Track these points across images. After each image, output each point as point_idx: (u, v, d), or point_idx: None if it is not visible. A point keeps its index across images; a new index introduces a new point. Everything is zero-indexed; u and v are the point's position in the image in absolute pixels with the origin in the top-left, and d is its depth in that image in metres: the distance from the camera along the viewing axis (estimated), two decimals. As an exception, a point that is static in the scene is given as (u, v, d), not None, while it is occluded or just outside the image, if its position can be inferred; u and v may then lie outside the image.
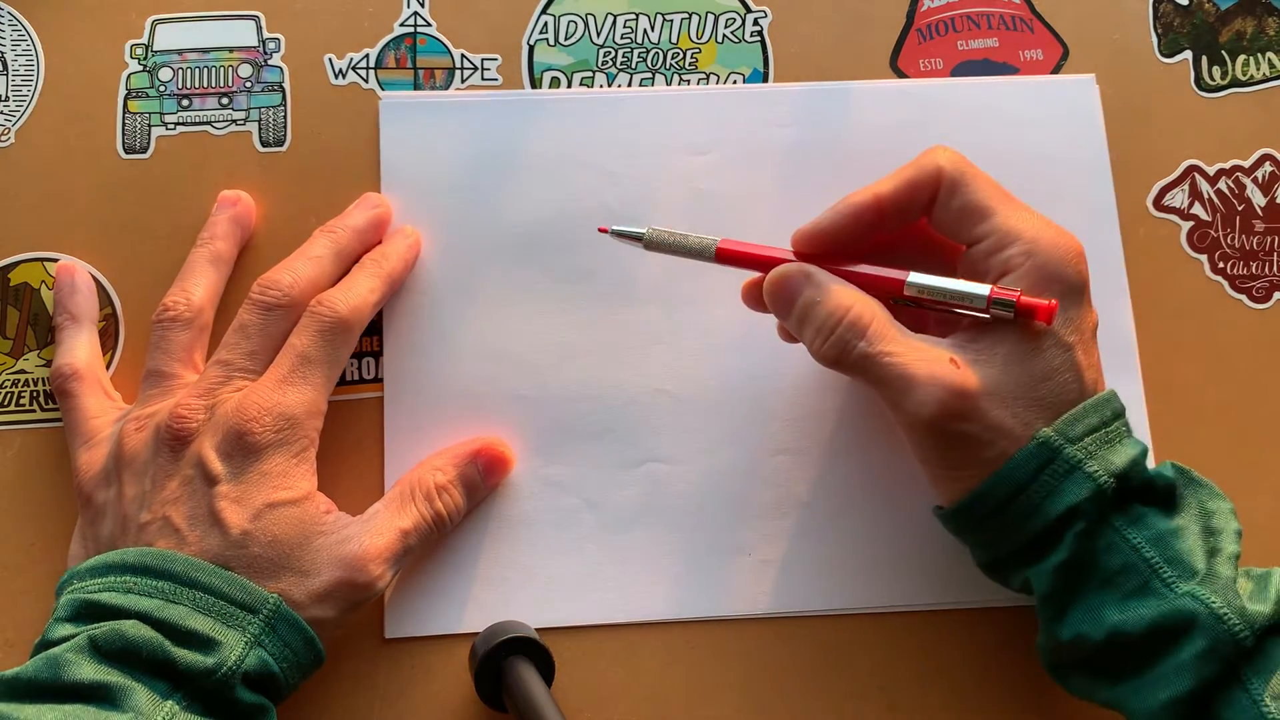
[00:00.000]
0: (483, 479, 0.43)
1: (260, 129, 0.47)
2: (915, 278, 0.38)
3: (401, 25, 0.48)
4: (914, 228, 0.41)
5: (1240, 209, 0.48)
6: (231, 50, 0.48)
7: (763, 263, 0.40)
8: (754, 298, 0.41)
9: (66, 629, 0.35)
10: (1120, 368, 0.46)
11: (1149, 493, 0.37)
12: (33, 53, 0.47)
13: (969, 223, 0.39)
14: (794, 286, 0.39)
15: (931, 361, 0.37)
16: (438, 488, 0.41)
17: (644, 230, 0.41)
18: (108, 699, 0.33)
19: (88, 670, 0.34)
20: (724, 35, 0.49)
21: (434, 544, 0.43)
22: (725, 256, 0.41)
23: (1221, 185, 0.48)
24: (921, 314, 0.40)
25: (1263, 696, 0.34)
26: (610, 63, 0.48)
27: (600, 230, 0.42)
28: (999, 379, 0.37)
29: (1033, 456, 0.36)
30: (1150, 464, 0.40)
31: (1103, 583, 0.36)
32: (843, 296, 0.38)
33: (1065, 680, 0.39)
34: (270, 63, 0.47)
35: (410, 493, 0.41)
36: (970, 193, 0.38)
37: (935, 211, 0.39)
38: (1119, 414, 0.38)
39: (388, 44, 0.48)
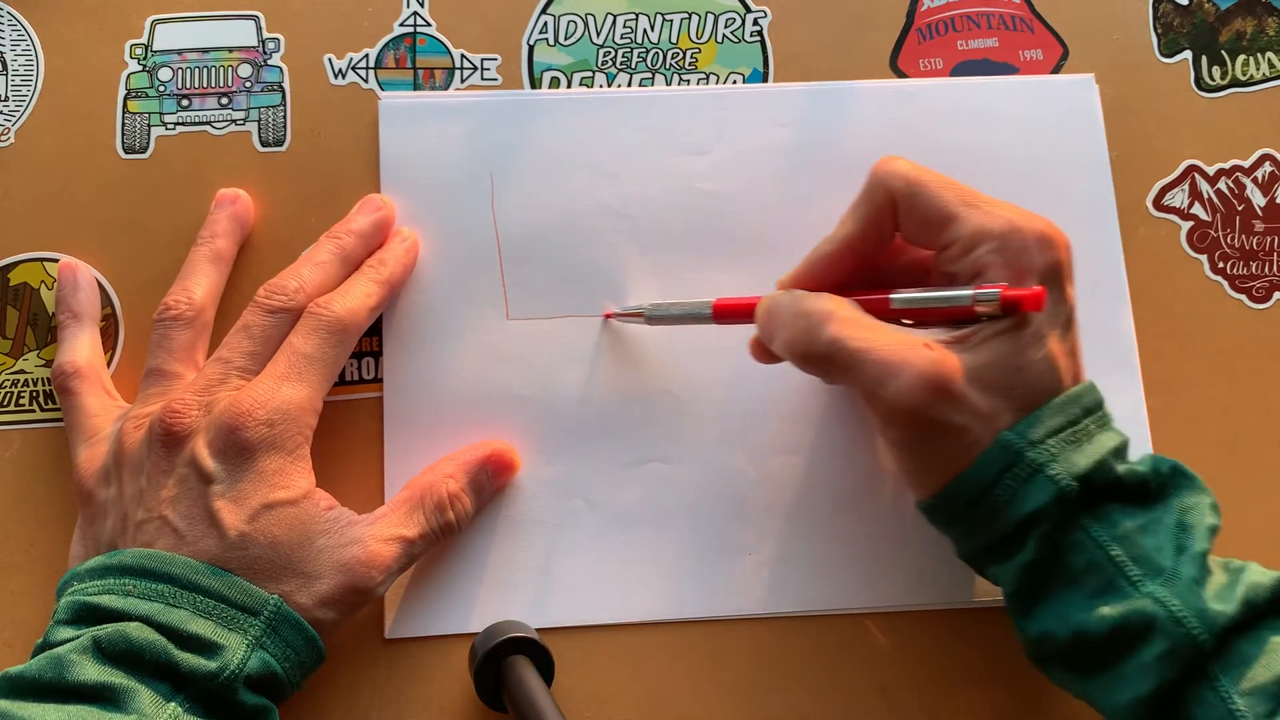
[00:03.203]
0: (491, 483, 0.43)
1: (260, 129, 0.47)
2: (897, 295, 0.38)
3: (401, 25, 0.48)
4: (897, 246, 0.41)
5: (1240, 209, 0.48)
6: (231, 50, 0.48)
7: (753, 310, 0.41)
8: (760, 352, 0.42)
9: (67, 631, 0.35)
10: (1120, 368, 0.46)
11: (1118, 490, 0.37)
12: (33, 53, 0.47)
13: (935, 230, 0.38)
14: (772, 304, 0.39)
15: (904, 345, 0.36)
16: (450, 496, 0.41)
17: (645, 307, 0.44)
18: (111, 700, 0.33)
19: (92, 671, 0.34)
20: (724, 35, 0.49)
21: (439, 548, 0.43)
22: (722, 313, 0.42)
23: (1221, 185, 0.49)
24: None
25: (1231, 694, 0.34)
26: (610, 63, 0.48)
27: (606, 316, 0.45)
28: (974, 364, 0.36)
29: (994, 459, 0.36)
30: (1133, 455, 0.40)
31: (1068, 581, 0.36)
32: (810, 298, 0.38)
33: (1047, 672, 0.39)
34: (270, 63, 0.47)
35: (420, 501, 0.41)
36: (927, 203, 0.38)
37: (901, 228, 0.39)
38: (1091, 409, 0.37)
39: (387, 44, 0.48)
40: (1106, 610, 0.35)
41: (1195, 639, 0.34)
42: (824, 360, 0.37)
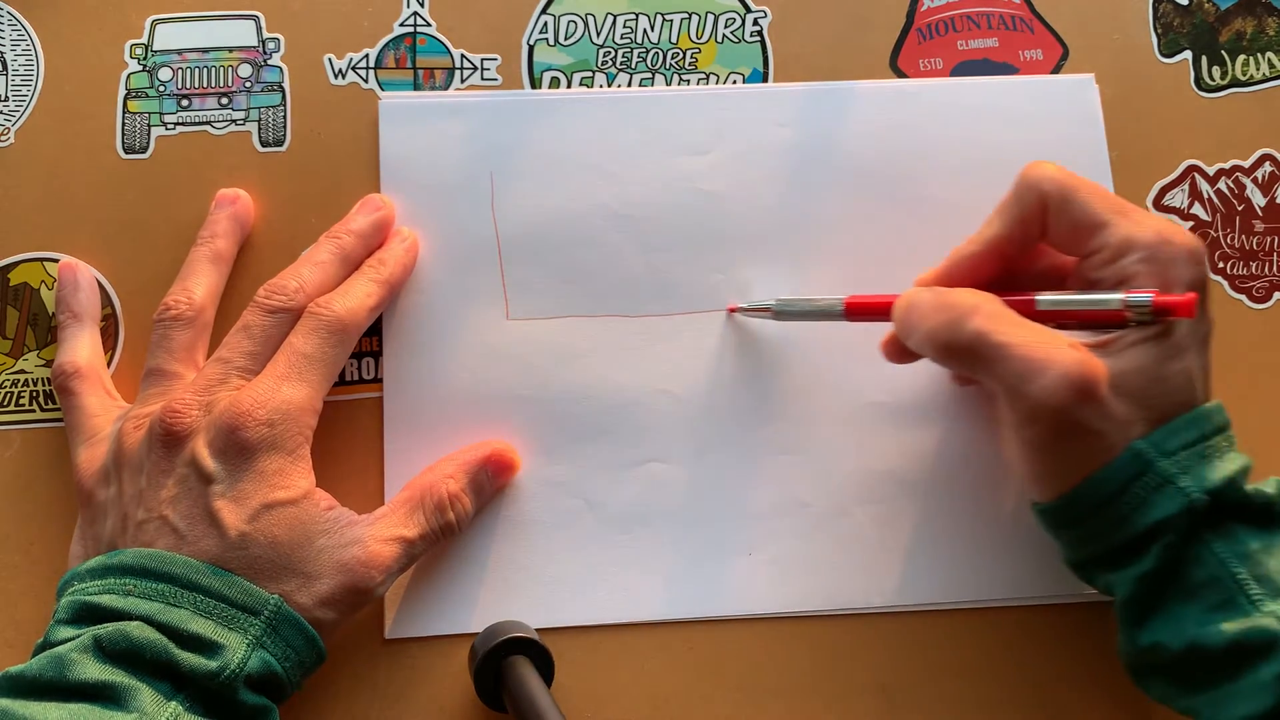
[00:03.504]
0: (491, 483, 0.43)
1: (260, 129, 0.47)
2: (1043, 297, 0.38)
3: (401, 25, 0.48)
4: (1036, 251, 0.41)
5: (1240, 209, 0.48)
6: (231, 50, 0.48)
7: (889, 308, 0.40)
8: (894, 351, 0.42)
9: (68, 631, 0.35)
10: (1120, 368, 0.46)
11: (1245, 510, 0.36)
12: (33, 53, 0.47)
13: (1083, 236, 0.38)
14: (913, 300, 0.39)
15: (1053, 345, 0.36)
16: (450, 497, 0.41)
17: (772, 302, 0.44)
18: (112, 699, 0.34)
19: (93, 670, 0.34)
20: (724, 35, 0.49)
21: (439, 548, 0.43)
22: (854, 311, 0.41)
23: (1221, 185, 0.49)
24: None
25: None
26: (610, 63, 0.48)
27: (730, 310, 0.45)
28: (1120, 371, 0.36)
29: (1126, 466, 0.36)
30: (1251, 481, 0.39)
31: (1186, 594, 0.36)
32: (953, 292, 0.38)
33: (1145, 684, 0.38)
34: (270, 63, 0.47)
35: (420, 501, 0.41)
36: (1078, 208, 0.38)
37: (1049, 234, 0.39)
38: (1221, 428, 0.37)
39: (387, 44, 0.48)
40: (1226, 626, 0.35)
41: None
42: (967, 353, 0.37)
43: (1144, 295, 0.36)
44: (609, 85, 0.48)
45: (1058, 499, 0.38)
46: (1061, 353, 0.36)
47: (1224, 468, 0.36)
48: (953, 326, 0.37)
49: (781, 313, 0.43)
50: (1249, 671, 0.35)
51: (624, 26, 0.48)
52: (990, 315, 0.37)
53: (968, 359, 0.37)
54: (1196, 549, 0.36)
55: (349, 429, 0.44)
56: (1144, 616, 0.37)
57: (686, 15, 0.49)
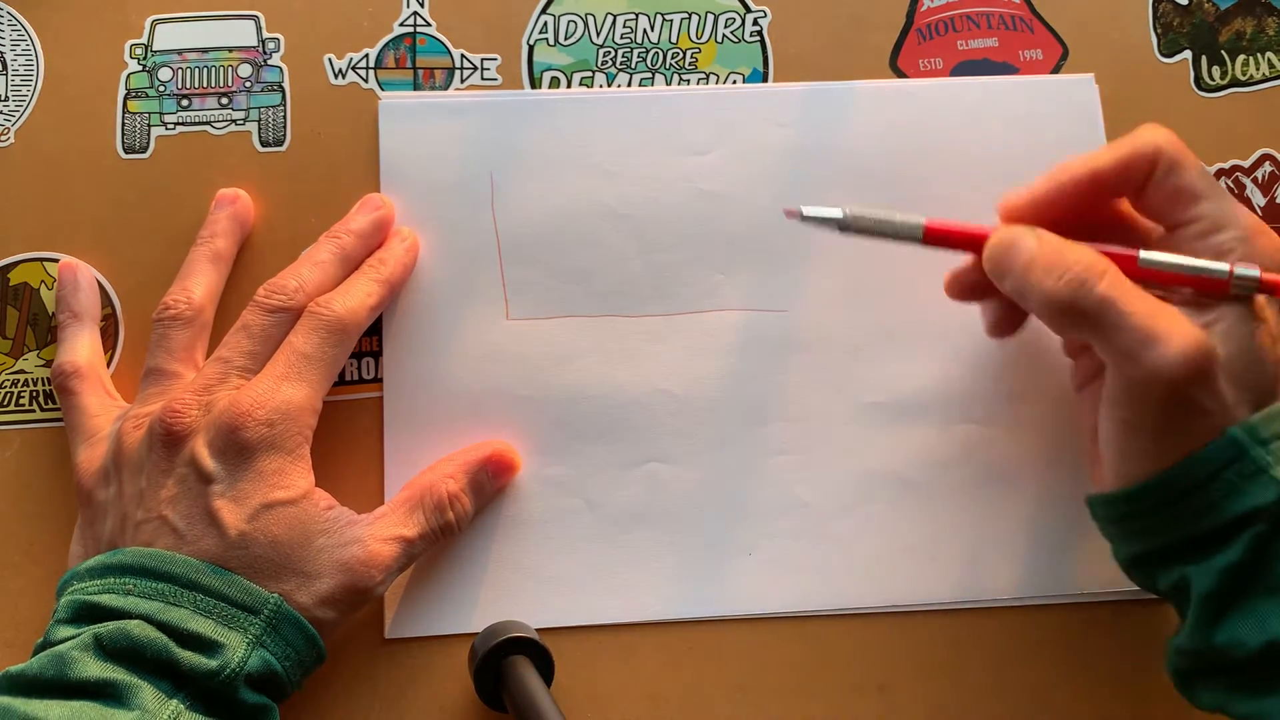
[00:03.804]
0: (491, 483, 0.43)
1: (260, 129, 0.47)
2: (1148, 255, 0.37)
3: (401, 25, 0.48)
4: (1111, 210, 0.40)
5: (1240, 209, 0.48)
6: (231, 50, 0.48)
7: (976, 239, 0.39)
8: (961, 287, 0.41)
9: (68, 630, 0.35)
10: (1120, 368, 0.46)
11: None
12: (32, 53, 0.47)
13: (1181, 205, 0.38)
14: (1022, 242, 0.37)
15: (1174, 318, 0.35)
16: (450, 497, 0.41)
17: (839, 213, 0.38)
18: (114, 696, 0.34)
19: (94, 668, 0.34)
20: (724, 35, 0.49)
21: (439, 548, 0.43)
22: (934, 236, 0.39)
23: (1221, 185, 0.48)
24: None
25: None
26: (610, 63, 0.48)
27: (787, 212, 0.38)
28: (1229, 352, 0.36)
29: (1222, 451, 0.35)
30: None
31: (1271, 590, 0.35)
32: (1079, 248, 0.37)
33: (1193, 688, 0.37)
34: (270, 63, 0.47)
35: (420, 500, 0.41)
36: (1186, 175, 0.37)
37: (1148, 191, 0.38)
38: None
39: (387, 44, 0.48)
40: None
41: None
42: (1087, 317, 0.35)
43: (1252, 269, 0.36)
44: (609, 85, 0.48)
45: (1146, 480, 0.36)
46: (1183, 325, 0.35)
47: None
48: (1079, 289, 0.35)
49: (849, 224, 0.38)
50: None
51: (624, 26, 0.48)
52: (1115, 281, 0.35)
53: (1086, 323, 0.36)
54: None
55: (349, 429, 0.44)
56: (1223, 612, 0.35)
57: (686, 15, 0.49)
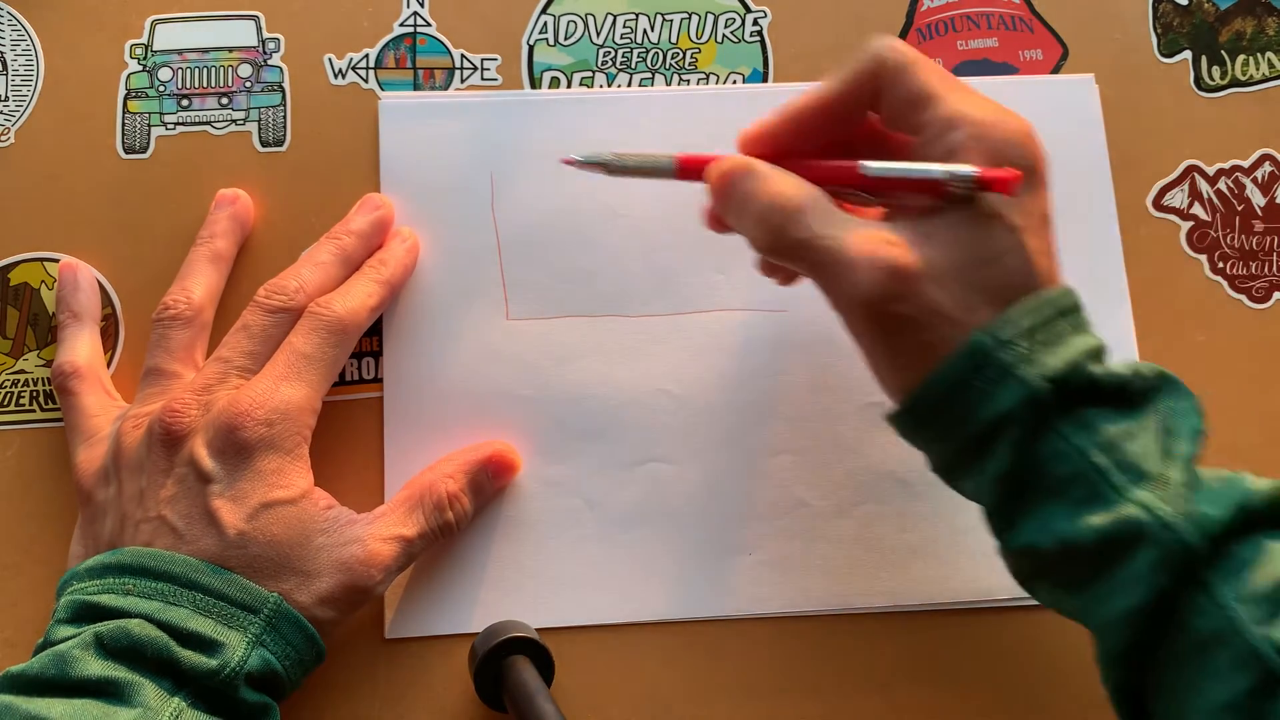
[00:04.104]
0: (491, 483, 0.43)
1: (260, 129, 0.47)
2: (869, 164, 0.37)
3: (401, 25, 0.48)
4: (866, 127, 0.40)
5: (1240, 209, 0.48)
6: (231, 50, 0.48)
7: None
8: (713, 219, 0.40)
9: (68, 630, 0.35)
10: (1120, 368, 0.46)
11: (1096, 394, 0.34)
12: (32, 53, 0.47)
13: (914, 111, 0.37)
14: (735, 178, 0.37)
15: (868, 240, 0.35)
16: (450, 496, 0.41)
17: (608, 156, 0.40)
18: (116, 694, 0.34)
19: (95, 666, 0.34)
20: (724, 35, 0.49)
21: (438, 548, 0.43)
22: (686, 170, 0.39)
23: (1221, 185, 0.49)
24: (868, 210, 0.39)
25: (1228, 600, 0.32)
26: (610, 63, 0.48)
27: (564, 161, 0.40)
28: (940, 258, 0.35)
29: (964, 360, 0.34)
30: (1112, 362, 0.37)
31: (1052, 492, 0.34)
32: (781, 183, 0.36)
33: (1033, 591, 0.37)
34: (270, 63, 0.47)
35: (420, 500, 0.41)
36: (913, 80, 0.37)
37: (882, 104, 0.38)
38: (1066, 311, 0.35)
39: (387, 44, 0.48)
40: (1094, 519, 0.33)
41: (1187, 544, 0.32)
42: (788, 255, 0.36)
43: (967, 168, 0.35)
44: (609, 85, 0.48)
45: (905, 401, 0.36)
46: (871, 246, 0.35)
47: (1066, 352, 0.34)
48: (779, 231, 0.36)
49: (615, 167, 0.40)
50: (1123, 564, 0.33)
51: (624, 26, 0.48)
52: (815, 214, 0.36)
53: (790, 261, 0.36)
54: (1054, 443, 0.34)
55: (349, 429, 0.44)
56: (1012, 519, 0.35)
57: (686, 15, 0.49)
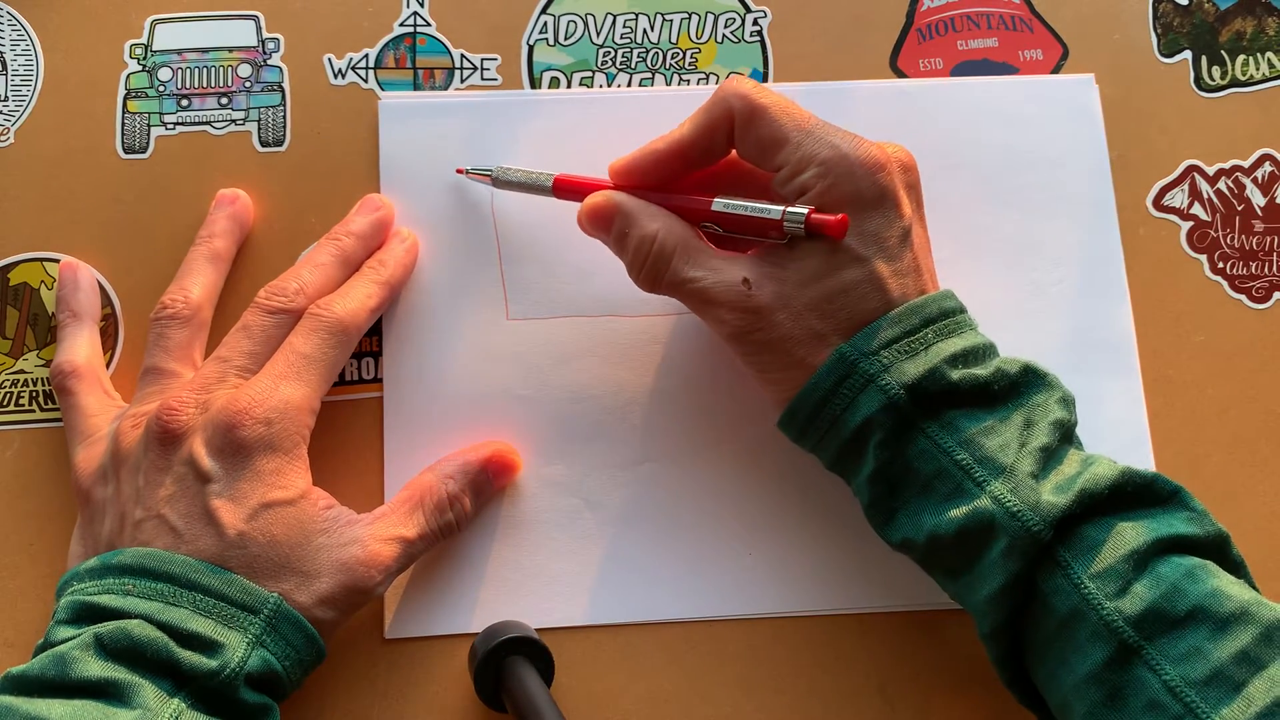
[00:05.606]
0: (491, 484, 0.43)
1: (260, 129, 0.47)
2: (720, 201, 0.40)
3: (401, 25, 0.48)
4: (731, 160, 0.42)
5: (1240, 209, 0.48)
6: (231, 50, 0.48)
7: (592, 192, 0.42)
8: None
9: (68, 631, 0.35)
10: (1120, 367, 0.46)
11: (957, 396, 0.37)
12: (32, 53, 0.47)
13: (767, 154, 0.40)
14: (606, 215, 0.41)
15: (727, 283, 0.39)
16: (450, 497, 0.41)
17: (492, 169, 0.44)
18: (115, 695, 0.34)
19: (95, 668, 0.34)
20: (724, 35, 0.49)
21: (438, 548, 0.43)
22: (562, 190, 0.43)
23: (1221, 185, 0.49)
24: (736, 241, 0.41)
25: (1082, 578, 0.35)
26: (610, 63, 0.48)
27: (458, 171, 0.45)
28: (793, 293, 0.38)
29: (830, 373, 0.38)
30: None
31: (922, 489, 0.38)
32: (650, 224, 0.40)
33: (932, 576, 0.40)
34: (270, 63, 0.47)
35: (420, 501, 0.41)
36: (764, 126, 0.39)
37: (737, 146, 0.40)
38: (932, 319, 0.38)
39: (387, 44, 0.48)
40: (954, 513, 0.36)
41: (1031, 531, 0.35)
42: (663, 292, 0.40)
43: (799, 210, 0.38)
44: (609, 85, 0.48)
45: (783, 411, 0.40)
46: (730, 289, 0.38)
47: (928, 359, 0.37)
48: (654, 272, 0.40)
49: (500, 180, 0.44)
50: (982, 553, 0.36)
51: (624, 26, 0.48)
52: (686, 256, 0.39)
53: (668, 294, 0.40)
54: (920, 444, 0.37)
55: (349, 429, 0.44)
56: (889, 517, 0.39)
57: (686, 15, 0.49)
